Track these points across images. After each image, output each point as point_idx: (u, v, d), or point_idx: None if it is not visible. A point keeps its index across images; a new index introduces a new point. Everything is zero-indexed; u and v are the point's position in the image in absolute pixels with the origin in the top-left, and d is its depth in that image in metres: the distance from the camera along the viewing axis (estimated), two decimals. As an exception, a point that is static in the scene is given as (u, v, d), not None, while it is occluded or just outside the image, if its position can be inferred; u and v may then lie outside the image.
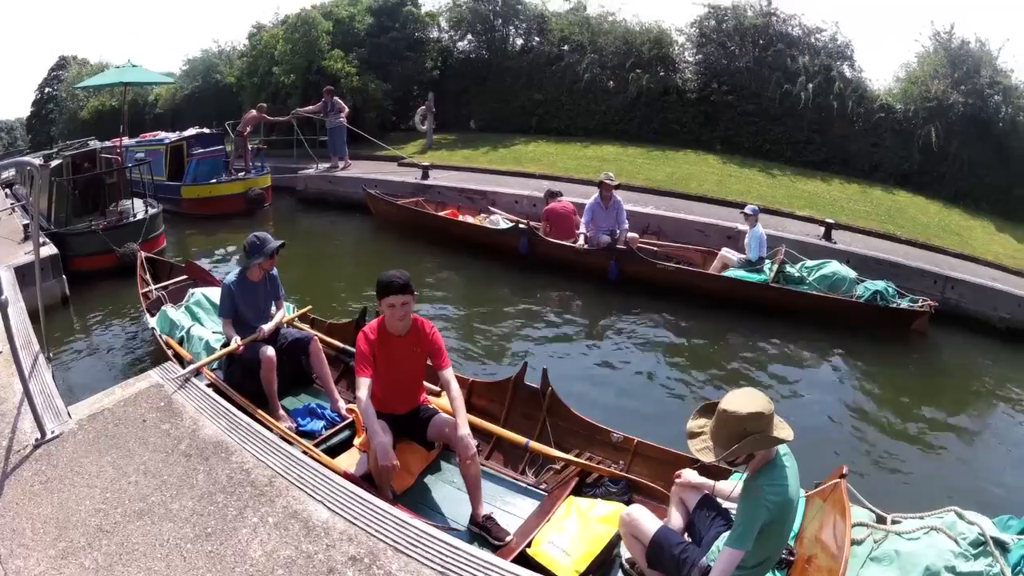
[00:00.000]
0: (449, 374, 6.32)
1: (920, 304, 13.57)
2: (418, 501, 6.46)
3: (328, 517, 5.20)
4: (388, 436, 5.99)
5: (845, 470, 5.18)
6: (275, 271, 8.64)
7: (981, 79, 25.08)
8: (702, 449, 4.49)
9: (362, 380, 5.98)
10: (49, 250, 13.52)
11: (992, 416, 11.65)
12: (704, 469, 5.82)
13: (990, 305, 15.45)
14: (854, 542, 5.11)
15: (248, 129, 23.92)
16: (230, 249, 17.74)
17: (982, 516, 5.18)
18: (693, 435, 4.61)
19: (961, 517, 5.14)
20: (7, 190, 24.83)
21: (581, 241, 15.24)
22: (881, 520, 5.52)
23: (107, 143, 20.84)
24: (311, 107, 24.98)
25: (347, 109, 24.72)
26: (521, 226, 16.08)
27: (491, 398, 7.98)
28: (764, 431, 4.30)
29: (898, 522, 5.41)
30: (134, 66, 21.99)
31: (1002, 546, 4.83)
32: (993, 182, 24.94)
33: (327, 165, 24.70)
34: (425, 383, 6.97)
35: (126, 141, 21.38)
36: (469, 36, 34.14)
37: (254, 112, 23.97)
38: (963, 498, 5.83)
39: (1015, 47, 53.95)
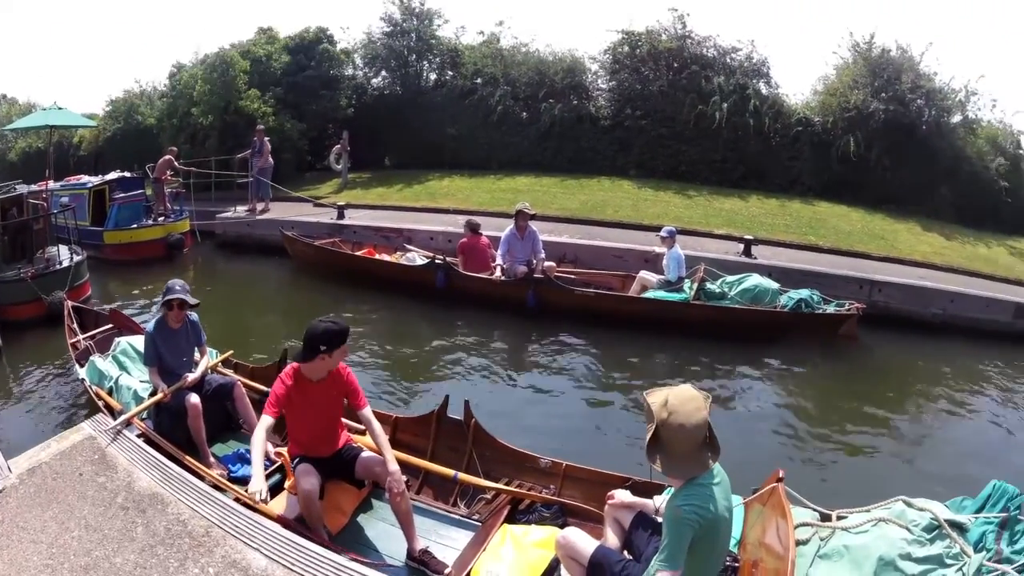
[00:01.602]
0: (368, 413, 6.36)
1: (847, 308, 13.70)
2: (354, 540, 6.36)
3: (267, 564, 5.15)
4: (316, 478, 6.02)
5: (781, 474, 5.29)
6: (195, 317, 8.56)
7: (902, 85, 25.56)
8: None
9: (265, 417, 6.01)
10: (-21, 299, 13.00)
11: (931, 406, 11.90)
12: (635, 488, 5.87)
13: (921, 303, 15.84)
14: (799, 542, 5.11)
15: (167, 174, 23.57)
16: (153, 296, 17.29)
17: (932, 501, 5.22)
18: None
19: (910, 505, 5.19)
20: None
21: (498, 273, 15.27)
22: (826, 518, 5.54)
23: (33, 187, 20.44)
24: (247, 151, 24.61)
25: (269, 150, 24.50)
26: (437, 261, 16.02)
27: (416, 432, 7.97)
28: (666, 434, 4.29)
29: (844, 517, 5.44)
30: (60, 108, 21.74)
31: (959, 527, 4.87)
32: (918, 184, 25.50)
33: (245, 208, 24.43)
34: (348, 421, 6.94)
35: (51, 185, 21.12)
36: (383, 72, 34.27)
37: (167, 156, 23.60)
38: (911, 487, 5.82)
39: (938, 50, 55.01)
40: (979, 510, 5.20)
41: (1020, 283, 18.88)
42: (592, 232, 19.98)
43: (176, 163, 23.69)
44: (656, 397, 4.39)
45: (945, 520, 4.88)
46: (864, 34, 27.50)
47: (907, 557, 4.71)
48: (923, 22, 68.92)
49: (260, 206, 24.22)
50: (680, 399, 4.31)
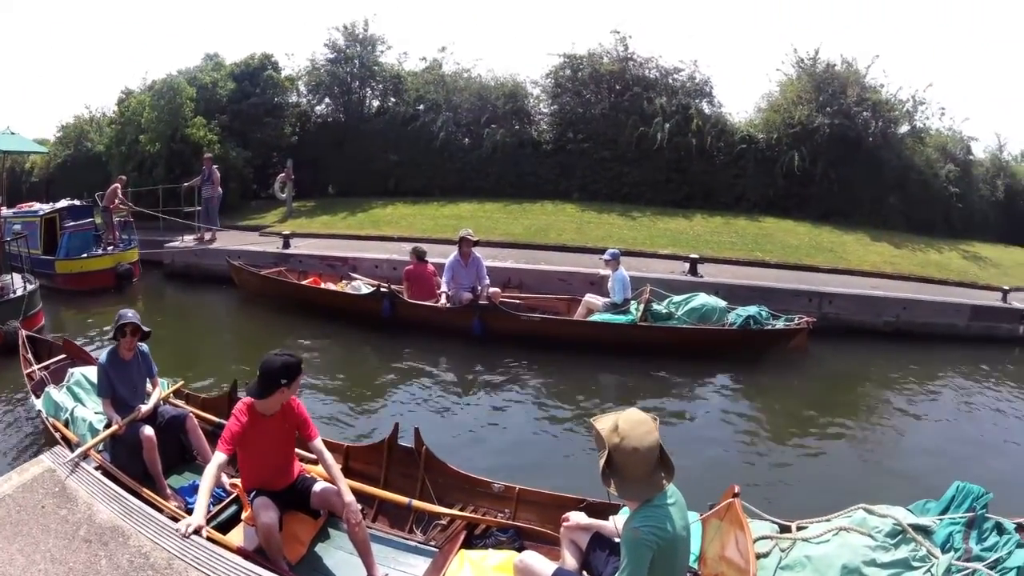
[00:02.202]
0: (319, 444, 6.34)
1: (796, 322, 13.73)
2: (313, 570, 6.36)
3: (229, 595, 4.99)
4: (275, 511, 5.96)
5: (737, 489, 5.29)
6: (146, 348, 8.49)
7: (848, 99, 25.98)
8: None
9: (219, 454, 5.95)
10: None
11: (888, 412, 11.97)
12: (591, 509, 5.98)
13: (872, 312, 16.08)
14: (760, 555, 5.12)
15: (116, 202, 23.17)
16: (104, 326, 16.84)
17: (894, 507, 5.22)
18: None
19: (871, 512, 5.19)
20: None
21: (443, 300, 15.19)
22: (785, 529, 5.56)
23: (-13, 213, 20.28)
24: (196, 179, 24.58)
25: (218, 178, 24.48)
26: (382, 289, 15.94)
27: (368, 461, 7.97)
28: (619, 459, 4.33)
29: (804, 528, 5.45)
30: (12, 133, 21.51)
31: (924, 530, 4.89)
32: (866, 195, 25.98)
33: (193, 237, 24.28)
34: (300, 451, 6.85)
35: (4, 212, 20.90)
36: (327, 100, 34.21)
37: (115, 185, 23.24)
38: (872, 495, 5.86)
39: (885, 62, 55.83)
40: (943, 512, 5.26)
41: (974, 286, 19.29)
42: (536, 256, 20.02)
43: (120, 192, 23.32)
44: (605, 423, 4.43)
45: (909, 524, 4.90)
46: (809, 50, 27.97)
47: (872, 563, 4.72)
48: (870, 34, 69.92)
49: (208, 235, 24.06)
50: (630, 423, 4.35)
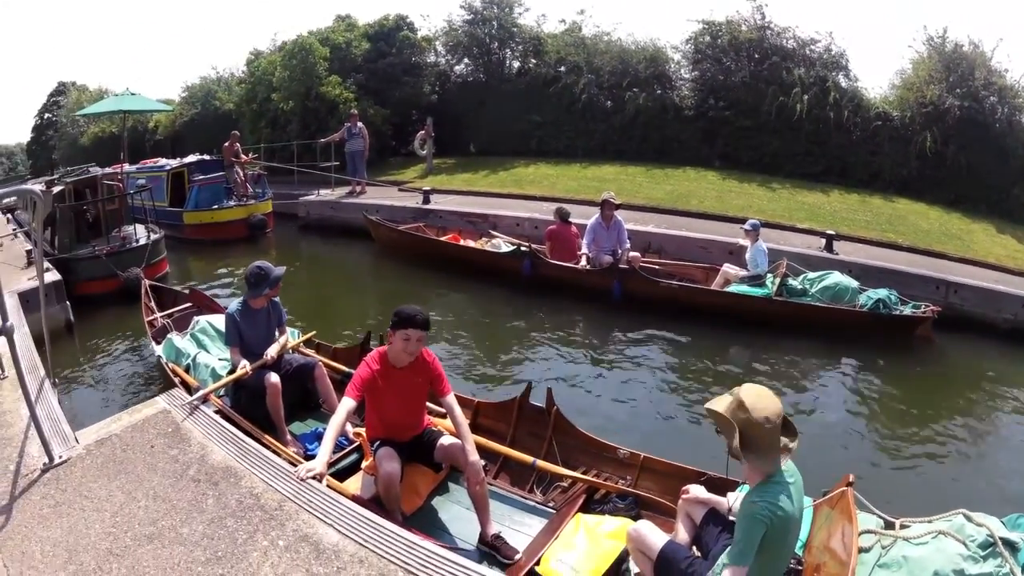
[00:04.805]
0: (452, 400, 6.32)
1: (923, 310, 13.52)
2: (427, 522, 6.38)
3: (338, 540, 5.09)
4: (397, 462, 6.04)
5: (852, 478, 5.23)
6: (276, 297, 8.65)
7: (976, 81, 25.09)
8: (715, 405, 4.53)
9: (347, 400, 6.00)
10: (52, 276, 13.57)
11: (999, 417, 11.59)
12: (710, 484, 5.91)
13: (993, 308, 15.41)
14: (862, 549, 5.06)
15: (244, 157, 24.01)
16: (233, 276, 17.69)
17: (991, 517, 5.09)
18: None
19: (969, 519, 5.05)
20: (9, 215, 25.31)
21: (583, 262, 15.26)
22: (889, 526, 5.47)
23: (108, 169, 20.87)
24: (335, 135, 25.22)
25: (367, 134, 25.13)
26: (523, 248, 16.10)
27: (497, 418, 8.00)
28: (753, 432, 4.32)
29: (907, 527, 5.35)
30: (132, 94, 22.09)
31: (1011, 546, 4.75)
32: (992, 184, 24.90)
33: (347, 190, 24.87)
34: (429, 404, 6.92)
35: (127, 167, 21.43)
36: (466, 60, 34.32)
37: (228, 142, 23.81)
38: (974, 500, 5.79)
39: (1009, 46, 54.16)
40: (1035, 529, 5.09)
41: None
42: (677, 222, 19.90)
43: (236, 145, 23.87)
44: (724, 403, 4.45)
45: (1000, 537, 4.78)
46: (938, 28, 27.19)
47: (960, 573, 4.64)
48: (994, 16, 68.13)
49: (358, 188, 24.71)
50: (752, 396, 4.36)
